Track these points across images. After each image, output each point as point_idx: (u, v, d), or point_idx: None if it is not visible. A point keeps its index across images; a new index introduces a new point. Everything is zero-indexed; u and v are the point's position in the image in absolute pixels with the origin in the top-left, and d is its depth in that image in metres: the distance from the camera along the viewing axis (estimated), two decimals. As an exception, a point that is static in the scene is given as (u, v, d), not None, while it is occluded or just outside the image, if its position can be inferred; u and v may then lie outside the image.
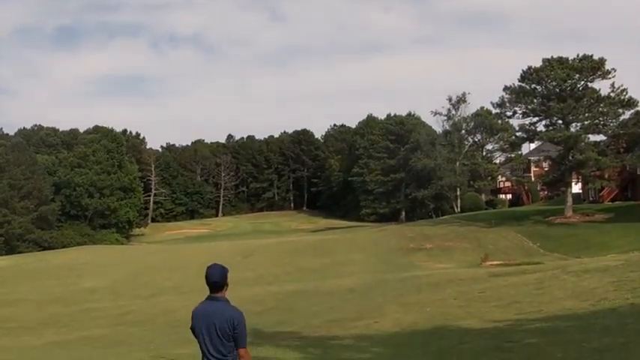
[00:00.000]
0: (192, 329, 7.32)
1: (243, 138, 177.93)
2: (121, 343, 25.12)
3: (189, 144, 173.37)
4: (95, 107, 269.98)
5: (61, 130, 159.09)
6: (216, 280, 7.15)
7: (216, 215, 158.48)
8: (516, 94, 73.11)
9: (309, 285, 39.71)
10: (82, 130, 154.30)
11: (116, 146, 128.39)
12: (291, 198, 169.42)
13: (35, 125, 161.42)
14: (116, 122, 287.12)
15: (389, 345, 16.98)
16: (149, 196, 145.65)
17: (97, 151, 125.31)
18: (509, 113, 77.44)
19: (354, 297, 32.38)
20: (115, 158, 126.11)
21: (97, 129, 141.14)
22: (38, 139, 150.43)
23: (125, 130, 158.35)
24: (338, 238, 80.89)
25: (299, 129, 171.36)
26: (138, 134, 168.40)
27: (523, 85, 73.10)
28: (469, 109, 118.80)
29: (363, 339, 18.59)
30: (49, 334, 30.50)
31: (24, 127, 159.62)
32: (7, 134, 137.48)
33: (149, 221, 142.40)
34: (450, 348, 14.95)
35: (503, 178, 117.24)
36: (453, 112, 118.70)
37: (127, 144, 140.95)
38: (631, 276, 23.94)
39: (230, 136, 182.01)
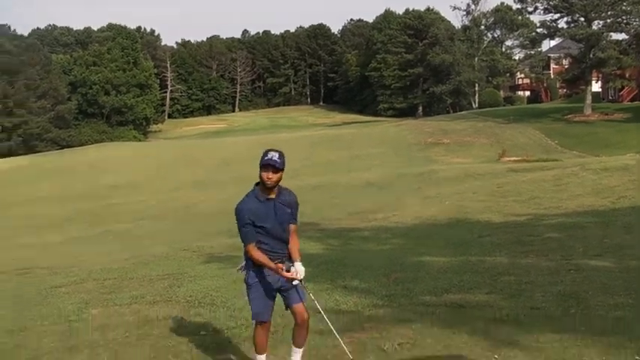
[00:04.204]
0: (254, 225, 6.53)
1: (259, 33, 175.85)
2: (143, 236, 25.42)
3: (205, 40, 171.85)
4: (108, 5, 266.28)
5: (74, 29, 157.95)
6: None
7: (233, 111, 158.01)
8: (538, -11, 71.63)
9: (328, 179, 39.84)
10: (95, 29, 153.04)
11: (131, 43, 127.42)
12: (308, 93, 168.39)
13: (49, 25, 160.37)
14: (130, 20, 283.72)
15: (409, 237, 17.12)
16: (165, 92, 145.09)
17: (111, 48, 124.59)
18: (530, 9, 76.04)
19: (372, 190, 32.53)
20: (130, 55, 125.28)
21: (110, 27, 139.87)
22: (52, 38, 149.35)
23: (139, 27, 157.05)
24: (355, 132, 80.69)
25: (315, 24, 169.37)
26: (152, 31, 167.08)
27: (545, -21, 71.54)
28: (489, 4, 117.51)
29: (383, 231, 18.74)
30: (72, 230, 30.86)
31: (37, 28, 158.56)
32: (21, 35, 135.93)
33: (166, 117, 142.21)
34: (471, 240, 15.05)
35: (522, 75, 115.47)
36: (473, 7, 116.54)
37: (142, 41, 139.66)
38: (651, 175, 23.85)
39: (245, 32, 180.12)
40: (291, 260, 6.51)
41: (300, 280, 6.48)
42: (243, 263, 6.74)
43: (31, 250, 23.51)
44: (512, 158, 48.59)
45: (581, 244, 12.89)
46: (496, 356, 6.66)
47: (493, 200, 22.90)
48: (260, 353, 6.73)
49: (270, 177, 6.38)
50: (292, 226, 6.69)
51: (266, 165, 6.38)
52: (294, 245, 6.69)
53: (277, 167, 6.38)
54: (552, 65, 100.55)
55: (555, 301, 8.70)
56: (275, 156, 6.39)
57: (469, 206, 22.07)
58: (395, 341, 7.40)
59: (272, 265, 6.36)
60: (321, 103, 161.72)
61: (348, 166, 50.14)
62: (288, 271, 6.37)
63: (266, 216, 6.46)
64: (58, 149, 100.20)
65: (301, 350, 6.58)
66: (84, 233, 29.49)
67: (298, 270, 6.46)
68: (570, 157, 45.78)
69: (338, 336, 6.53)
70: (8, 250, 24.24)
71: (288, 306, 6.62)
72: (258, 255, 6.44)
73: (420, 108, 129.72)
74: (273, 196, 6.51)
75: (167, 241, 21.81)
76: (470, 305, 8.81)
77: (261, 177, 6.43)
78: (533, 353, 6.68)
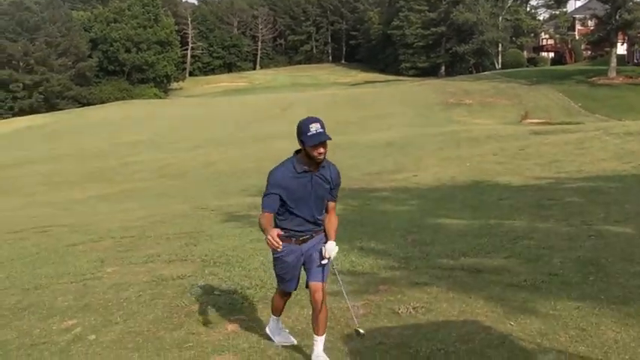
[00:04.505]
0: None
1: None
2: (162, 195, 25.47)
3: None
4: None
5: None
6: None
7: (254, 68, 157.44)
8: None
9: (348, 138, 39.70)
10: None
11: (151, 0, 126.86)
12: (330, 51, 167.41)
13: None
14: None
15: (428, 198, 17.01)
16: (186, 49, 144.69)
17: (132, 5, 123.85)
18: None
19: (392, 150, 32.39)
20: (150, 12, 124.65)
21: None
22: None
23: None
24: (377, 91, 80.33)
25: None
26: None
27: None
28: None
29: (402, 191, 18.66)
30: (92, 188, 30.98)
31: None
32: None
33: (187, 75, 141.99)
34: (490, 203, 14.93)
35: (547, 36, 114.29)
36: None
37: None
38: (676, 140, 23.60)
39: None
40: (326, 239, 6.12)
41: (328, 259, 6.05)
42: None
43: (51, 208, 23.62)
44: (535, 120, 48.30)
45: (602, 210, 12.72)
46: (512, 323, 6.56)
47: (514, 163, 22.76)
48: (276, 315, 6.61)
49: (322, 152, 5.80)
50: (331, 204, 6.23)
51: (315, 142, 5.72)
52: (331, 224, 6.22)
53: (327, 140, 5.80)
54: (577, 26, 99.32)
55: (574, 267, 8.57)
56: (319, 127, 5.74)
57: (490, 168, 21.95)
58: (409, 305, 7.31)
59: (271, 231, 5.67)
60: (343, 62, 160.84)
61: (369, 125, 50.01)
62: (321, 254, 6.01)
63: (300, 190, 5.95)
64: (79, 107, 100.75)
65: (322, 338, 6.06)
66: (104, 191, 29.60)
67: (328, 249, 6.05)
68: (593, 121, 45.45)
69: (348, 302, 6.38)
70: (28, 208, 24.40)
71: (307, 282, 6.17)
72: (265, 222, 5.84)
73: (443, 68, 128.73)
74: (313, 169, 5.95)
75: (186, 200, 21.86)
76: (487, 270, 8.69)
77: (309, 153, 5.79)
78: (549, 321, 6.57)
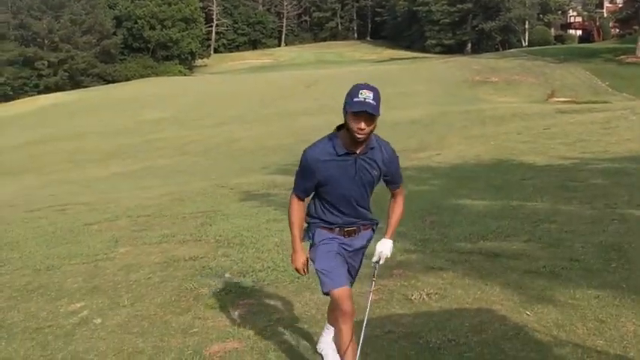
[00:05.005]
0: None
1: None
2: (183, 172, 25.44)
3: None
4: None
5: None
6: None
7: (279, 45, 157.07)
8: None
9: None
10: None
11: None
12: (355, 28, 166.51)
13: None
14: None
15: (450, 177, 16.77)
16: (211, 26, 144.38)
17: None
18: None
19: (417, 128, 32.12)
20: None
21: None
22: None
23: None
24: (402, 68, 79.83)
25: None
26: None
27: None
28: None
29: (425, 170, 18.42)
30: (114, 165, 31.04)
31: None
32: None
33: (212, 52, 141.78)
34: (514, 183, 14.65)
35: (574, 13, 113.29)
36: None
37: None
38: None
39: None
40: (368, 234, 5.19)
41: (377, 262, 5.11)
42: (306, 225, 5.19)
43: (72, 186, 23.68)
44: (561, 99, 47.78)
45: (627, 192, 12.41)
46: (528, 312, 6.33)
47: (539, 142, 22.44)
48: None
49: (363, 128, 4.60)
50: (396, 190, 5.20)
51: (357, 111, 4.58)
52: (394, 215, 5.22)
53: (373, 113, 4.59)
54: (606, 3, 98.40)
55: (596, 252, 8.31)
56: (370, 96, 4.58)
57: (514, 147, 21.64)
58: (423, 291, 7.11)
59: (298, 256, 5.00)
60: (368, 39, 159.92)
61: (394, 102, 49.53)
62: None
63: (340, 175, 4.82)
64: (104, 84, 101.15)
65: (333, 329, 5.26)
66: (126, 168, 29.64)
67: (378, 249, 5.11)
68: (620, 100, 44.82)
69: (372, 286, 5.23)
70: (49, 187, 24.44)
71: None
72: (295, 217, 5.05)
73: (469, 45, 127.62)
74: (357, 150, 4.80)
75: (206, 177, 21.81)
76: (506, 254, 8.45)
77: (348, 125, 4.65)
78: (567, 311, 6.33)
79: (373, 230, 5.24)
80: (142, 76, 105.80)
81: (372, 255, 5.16)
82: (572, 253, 8.35)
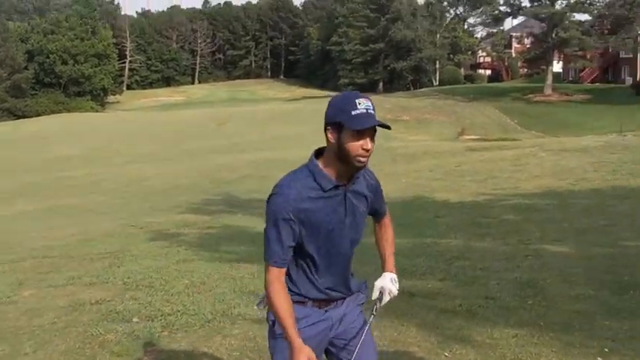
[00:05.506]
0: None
1: (220, 4, 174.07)
2: (92, 211, 24.77)
3: (165, 10, 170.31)
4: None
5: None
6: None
7: (192, 83, 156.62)
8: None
9: (285, 153, 39.37)
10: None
11: (89, 12, 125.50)
12: (268, 66, 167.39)
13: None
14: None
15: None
16: (124, 62, 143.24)
17: (70, 17, 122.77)
18: (494, -14, 76.42)
19: (329, 167, 32.06)
20: (88, 24, 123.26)
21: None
22: (9, 5, 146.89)
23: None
24: (315, 107, 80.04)
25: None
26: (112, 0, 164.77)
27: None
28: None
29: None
30: (21, 204, 30.03)
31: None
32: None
33: (124, 88, 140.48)
34: (426, 221, 14.68)
35: (484, 53, 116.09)
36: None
37: (101, 10, 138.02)
38: (611, 158, 23.87)
39: (206, 2, 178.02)
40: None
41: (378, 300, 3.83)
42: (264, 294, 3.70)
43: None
44: (472, 137, 48.62)
45: (539, 228, 12.54)
46: (446, 354, 6.19)
47: (450, 179, 22.64)
48: None
49: (369, 148, 3.49)
50: (384, 218, 4.05)
51: (364, 125, 3.47)
52: (387, 241, 4.08)
53: (385, 127, 3.56)
54: (514, 44, 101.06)
55: (511, 289, 8.27)
56: (370, 106, 3.53)
57: (426, 185, 21.78)
58: (340, 333, 6.89)
59: (294, 335, 3.38)
60: (282, 77, 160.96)
61: (306, 140, 49.65)
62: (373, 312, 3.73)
63: (331, 219, 3.54)
64: (14, 119, 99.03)
65: None
66: (33, 207, 28.68)
67: (377, 285, 3.87)
68: (529, 137, 45.92)
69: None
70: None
71: None
72: (281, 299, 3.44)
73: (381, 84, 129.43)
74: (347, 181, 3.60)
75: (116, 217, 21.24)
76: (421, 293, 8.32)
77: (344, 148, 3.48)
78: (486, 351, 6.20)
79: (364, 291, 3.96)
80: (53, 112, 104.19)
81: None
82: (487, 290, 8.28)
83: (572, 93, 70.21)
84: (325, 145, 3.65)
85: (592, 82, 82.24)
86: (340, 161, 3.51)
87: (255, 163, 36.05)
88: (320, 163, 3.61)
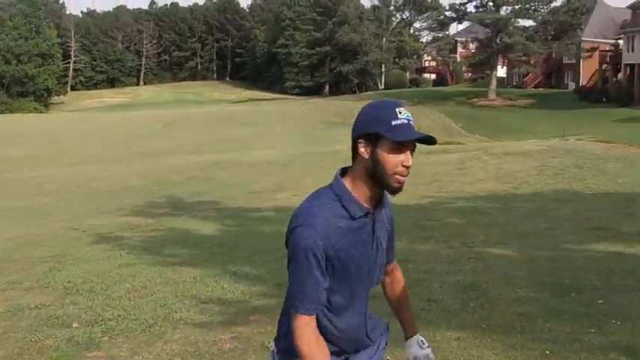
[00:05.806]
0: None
1: (166, 5, 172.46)
2: (36, 214, 24.40)
3: (111, 10, 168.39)
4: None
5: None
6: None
7: (138, 84, 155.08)
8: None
9: (230, 155, 39.24)
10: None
11: (34, 11, 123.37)
12: (215, 68, 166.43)
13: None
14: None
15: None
16: (68, 63, 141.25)
17: (14, 15, 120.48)
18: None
19: (274, 169, 32.10)
20: (32, 23, 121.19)
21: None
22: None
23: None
24: (260, 109, 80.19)
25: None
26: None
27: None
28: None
29: (282, 211, 18.26)
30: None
31: None
32: None
33: (69, 89, 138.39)
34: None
35: (429, 58, 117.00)
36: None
37: (46, 9, 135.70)
38: (553, 162, 24.22)
39: (153, 3, 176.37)
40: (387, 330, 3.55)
41: None
42: (274, 347, 3.18)
43: None
44: (417, 140, 48.83)
45: (482, 231, 12.65)
46: (388, 357, 6.19)
47: (395, 182, 22.67)
48: None
49: (410, 165, 2.92)
50: (393, 263, 3.42)
51: (408, 137, 2.90)
52: (403, 301, 3.55)
53: (431, 140, 2.94)
54: (459, 49, 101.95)
55: (454, 292, 8.30)
56: (411, 117, 2.95)
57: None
58: (283, 338, 6.84)
59: None
60: (228, 79, 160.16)
61: (251, 143, 49.64)
62: None
63: (360, 254, 2.98)
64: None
65: None
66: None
67: (411, 353, 3.44)
68: (474, 141, 46.34)
69: None
70: None
71: None
72: (318, 350, 2.88)
73: (327, 87, 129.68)
74: (373, 208, 3.02)
75: (60, 219, 20.99)
76: (364, 297, 8.32)
77: (381, 165, 2.88)
78: (428, 354, 6.22)
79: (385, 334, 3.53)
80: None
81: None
82: (430, 293, 8.30)
83: (515, 98, 71.10)
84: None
85: (535, 87, 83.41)
86: (373, 181, 2.93)
87: (200, 165, 35.85)
88: (347, 184, 3.01)
